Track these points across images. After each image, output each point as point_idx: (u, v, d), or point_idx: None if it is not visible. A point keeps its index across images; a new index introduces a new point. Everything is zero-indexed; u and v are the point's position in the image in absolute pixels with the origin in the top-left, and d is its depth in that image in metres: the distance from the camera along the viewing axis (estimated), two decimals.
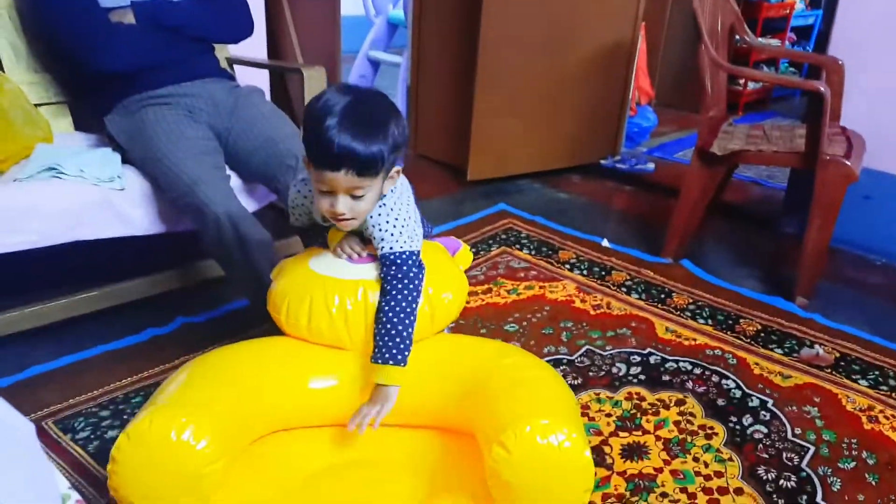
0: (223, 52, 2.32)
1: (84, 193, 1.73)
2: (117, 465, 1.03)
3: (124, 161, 1.87)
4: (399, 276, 1.25)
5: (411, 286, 1.26)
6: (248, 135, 1.93)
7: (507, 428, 1.03)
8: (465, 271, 1.49)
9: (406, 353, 1.25)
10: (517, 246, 2.62)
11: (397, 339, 1.24)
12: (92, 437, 1.60)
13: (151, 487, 1.02)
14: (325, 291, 1.26)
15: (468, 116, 3.10)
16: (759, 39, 4.48)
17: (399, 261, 1.25)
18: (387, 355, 1.24)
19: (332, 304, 1.25)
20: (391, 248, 1.26)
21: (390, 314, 1.24)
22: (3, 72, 1.98)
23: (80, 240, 1.76)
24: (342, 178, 1.15)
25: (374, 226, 1.27)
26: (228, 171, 1.90)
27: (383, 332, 1.25)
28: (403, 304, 1.24)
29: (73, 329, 1.92)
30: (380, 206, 1.26)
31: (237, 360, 1.26)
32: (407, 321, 1.25)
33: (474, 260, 2.42)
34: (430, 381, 1.26)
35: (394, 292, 1.25)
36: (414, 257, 1.27)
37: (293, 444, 1.27)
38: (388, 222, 1.26)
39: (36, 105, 2.00)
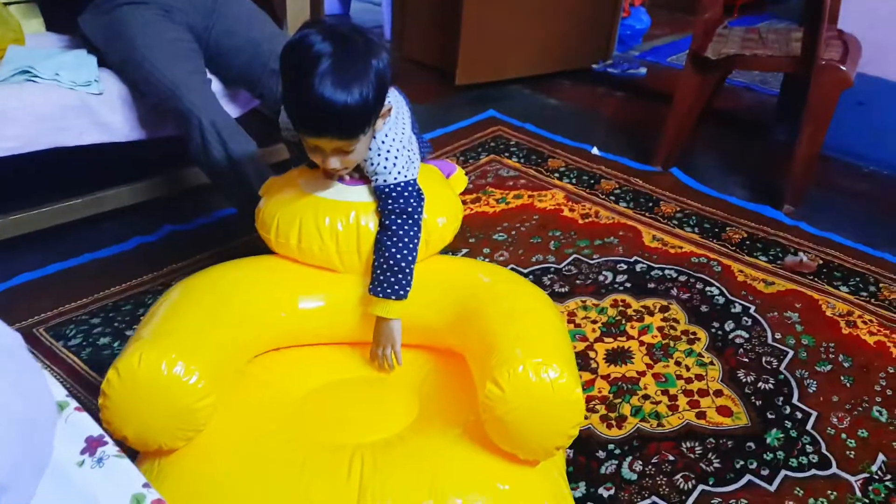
0: None
1: (60, 98, 1.68)
2: (108, 401, 1.01)
3: (101, 64, 1.80)
4: (397, 209, 1.20)
5: (410, 220, 1.21)
6: (228, 36, 1.86)
7: (500, 366, 1.04)
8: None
9: (408, 288, 1.21)
10: (506, 154, 2.59)
11: (399, 275, 1.20)
12: (84, 343, 1.62)
13: (144, 422, 1.02)
14: (315, 212, 1.22)
15: (457, 16, 2.98)
16: None
17: (395, 193, 1.20)
18: (388, 290, 1.20)
19: (322, 226, 1.21)
20: (385, 181, 1.21)
21: (392, 249, 1.19)
22: None
23: (60, 146, 1.72)
24: (328, 142, 1.11)
25: (365, 160, 1.21)
26: (209, 76, 1.84)
27: (385, 266, 1.20)
28: (405, 238, 1.20)
29: (61, 238, 1.91)
30: (371, 141, 1.20)
31: (225, 282, 1.22)
32: (410, 256, 1.20)
33: (463, 168, 2.40)
34: (424, 303, 1.25)
35: (393, 227, 1.20)
36: (410, 187, 1.21)
37: (287, 364, 1.27)
38: (379, 155, 1.20)
39: (5, 4, 1.91)
